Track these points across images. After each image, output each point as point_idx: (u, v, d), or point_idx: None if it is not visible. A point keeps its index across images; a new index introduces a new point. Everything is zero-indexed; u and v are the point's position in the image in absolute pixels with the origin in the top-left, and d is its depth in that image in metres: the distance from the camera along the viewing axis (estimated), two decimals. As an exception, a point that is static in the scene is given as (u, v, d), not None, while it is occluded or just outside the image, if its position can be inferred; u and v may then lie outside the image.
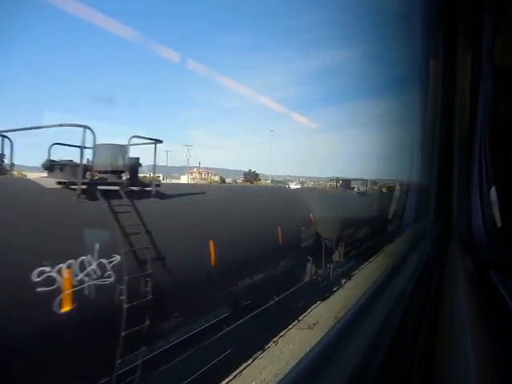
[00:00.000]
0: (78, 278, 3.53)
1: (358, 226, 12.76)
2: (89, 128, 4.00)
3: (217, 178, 69.98)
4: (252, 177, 79.47)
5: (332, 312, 9.07)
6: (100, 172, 4.67)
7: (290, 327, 8.47)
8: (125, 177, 4.71)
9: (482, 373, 0.90)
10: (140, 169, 5.16)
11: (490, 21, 2.76)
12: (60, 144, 4.44)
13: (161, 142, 5.13)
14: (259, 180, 72.40)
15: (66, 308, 3.40)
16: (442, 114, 3.57)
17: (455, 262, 2.48)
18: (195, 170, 71.11)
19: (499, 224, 2.74)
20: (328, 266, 10.46)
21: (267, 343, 7.67)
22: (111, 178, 4.66)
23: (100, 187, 4.30)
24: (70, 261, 3.49)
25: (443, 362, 1.04)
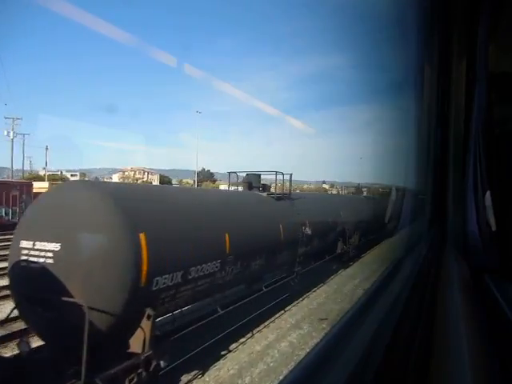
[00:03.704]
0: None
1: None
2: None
3: (155, 178, 69.97)
4: (206, 176, 76.02)
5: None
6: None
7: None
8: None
9: (477, 376, 0.90)
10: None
11: (484, 27, 2.79)
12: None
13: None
14: (214, 181, 70.13)
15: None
16: (436, 119, 3.59)
17: (450, 266, 2.48)
18: (129, 168, 73.34)
19: (494, 228, 2.75)
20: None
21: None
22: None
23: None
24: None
25: (439, 365, 1.04)
